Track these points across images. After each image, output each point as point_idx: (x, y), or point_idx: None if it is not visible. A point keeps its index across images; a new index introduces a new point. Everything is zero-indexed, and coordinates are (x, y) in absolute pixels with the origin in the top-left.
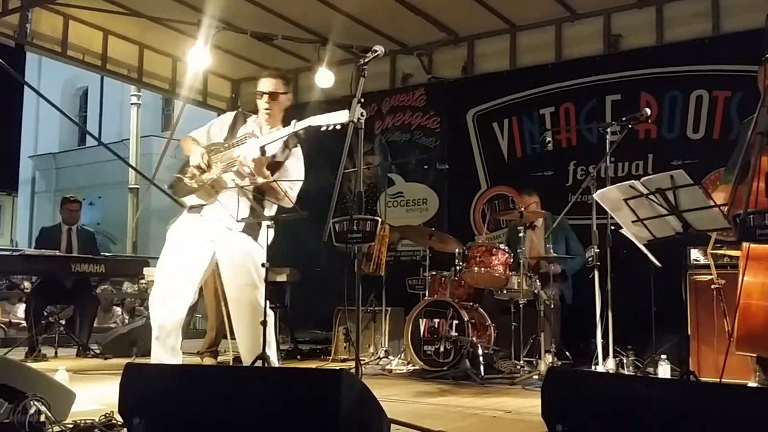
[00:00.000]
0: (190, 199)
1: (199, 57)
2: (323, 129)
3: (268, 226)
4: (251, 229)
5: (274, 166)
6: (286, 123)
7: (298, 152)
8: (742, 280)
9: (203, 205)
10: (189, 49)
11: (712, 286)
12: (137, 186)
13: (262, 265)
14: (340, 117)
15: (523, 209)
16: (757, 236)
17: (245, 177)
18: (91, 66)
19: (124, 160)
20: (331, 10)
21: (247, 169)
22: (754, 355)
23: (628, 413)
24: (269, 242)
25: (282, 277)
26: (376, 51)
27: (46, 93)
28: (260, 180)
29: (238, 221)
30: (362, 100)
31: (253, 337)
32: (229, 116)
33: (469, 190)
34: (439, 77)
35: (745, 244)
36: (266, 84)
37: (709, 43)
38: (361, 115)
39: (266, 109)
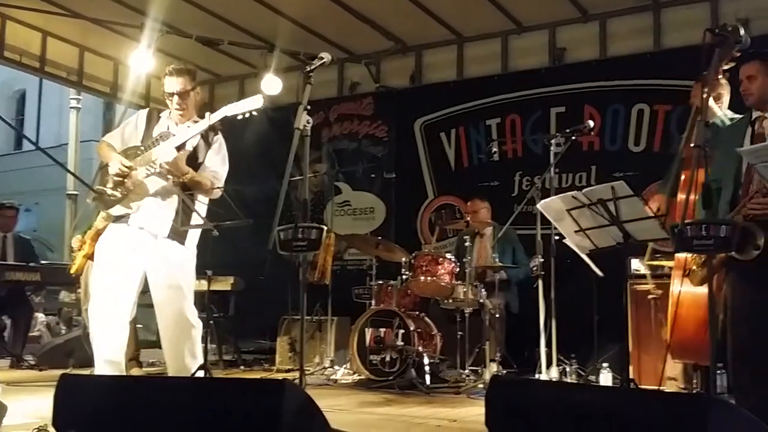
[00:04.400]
0: (116, 209)
1: (141, 60)
2: (239, 117)
3: (213, 233)
4: (178, 233)
5: (194, 160)
6: (201, 115)
7: (219, 141)
8: (673, 289)
9: (129, 213)
10: (132, 53)
11: (649, 296)
12: (76, 192)
13: (206, 274)
14: (254, 102)
15: (469, 219)
16: (694, 246)
17: (169, 178)
18: (29, 68)
19: (62, 165)
20: (278, 16)
21: (167, 168)
22: (691, 362)
23: (568, 421)
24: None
25: (226, 286)
26: (323, 58)
27: None
28: (187, 176)
29: (181, 229)
30: (308, 107)
31: (178, 349)
32: (143, 115)
33: (417, 200)
34: (387, 86)
35: (678, 255)
36: (173, 84)
37: (651, 58)
38: (308, 122)
39: (178, 108)
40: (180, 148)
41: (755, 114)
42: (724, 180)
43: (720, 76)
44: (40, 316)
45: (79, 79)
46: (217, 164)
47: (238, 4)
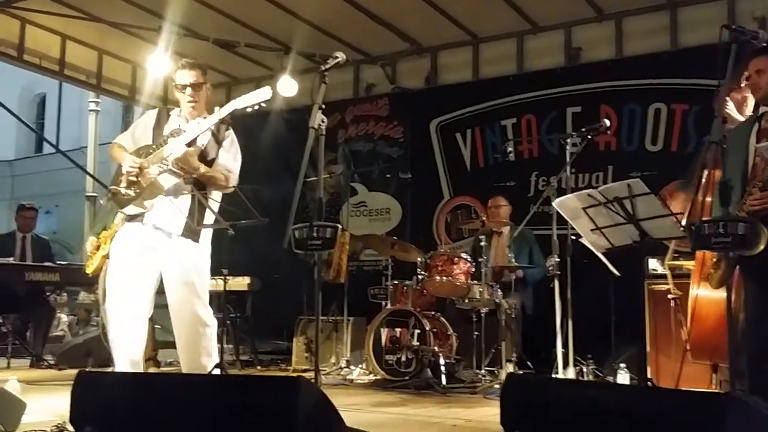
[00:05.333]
0: (130, 209)
1: (159, 63)
2: (249, 110)
3: (228, 233)
4: (192, 232)
5: (206, 158)
6: (210, 113)
7: (230, 137)
8: (692, 291)
9: (143, 212)
10: (149, 56)
11: (669, 296)
12: (95, 194)
13: (222, 274)
14: (263, 94)
15: (485, 218)
16: (712, 244)
17: (182, 175)
18: (48, 71)
19: (81, 167)
20: (295, 18)
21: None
22: (710, 363)
23: (584, 418)
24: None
25: (243, 286)
26: (337, 57)
27: (2, 99)
28: (199, 172)
29: (196, 228)
30: (323, 106)
31: (193, 350)
32: (152, 114)
33: (432, 200)
34: (403, 87)
35: (698, 255)
36: (187, 76)
37: (667, 57)
38: (322, 121)
39: (190, 101)
40: (191, 144)
41: (762, 109)
42: (733, 178)
43: (743, 82)
44: (63, 317)
45: (98, 82)
46: (229, 160)
47: (254, 7)
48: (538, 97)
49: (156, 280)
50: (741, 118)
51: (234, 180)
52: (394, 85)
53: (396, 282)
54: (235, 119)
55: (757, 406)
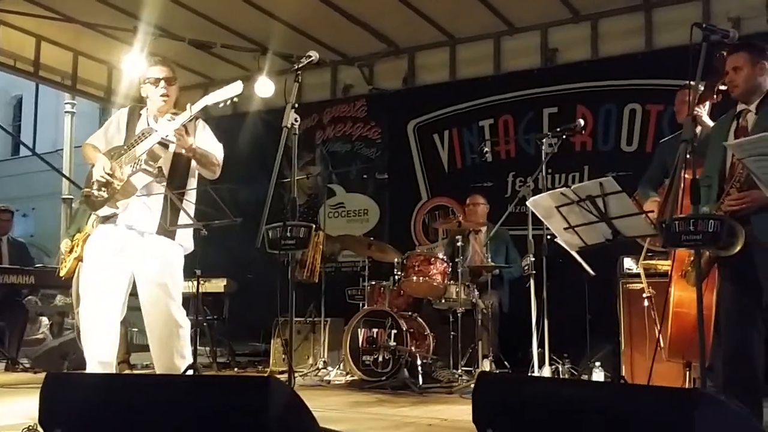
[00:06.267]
0: (103, 210)
1: (135, 64)
2: (221, 105)
3: (201, 233)
4: (166, 229)
5: (181, 153)
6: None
7: (200, 124)
8: (672, 289)
9: (116, 213)
10: (125, 56)
11: (643, 296)
12: (71, 197)
13: (195, 274)
14: (234, 89)
15: (461, 219)
16: (682, 242)
17: (155, 174)
18: (23, 72)
19: (57, 170)
20: (271, 19)
21: (153, 165)
22: (683, 361)
23: (556, 416)
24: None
25: (219, 288)
26: (311, 56)
27: None
28: (193, 149)
29: (168, 229)
30: (296, 105)
31: (166, 351)
32: (124, 113)
33: (410, 201)
34: (380, 88)
35: (678, 254)
36: (160, 71)
37: (642, 58)
38: (296, 120)
39: (163, 95)
40: (163, 143)
41: (740, 107)
42: (712, 177)
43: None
44: (44, 320)
45: (74, 83)
46: (208, 143)
47: (230, 7)
48: (515, 97)
49: (129, 281)
50: (710, 123)
51: (221, 158)
52: (372, 86)
53: (373, 282)
54: (213, 120)
55: (728, 402)
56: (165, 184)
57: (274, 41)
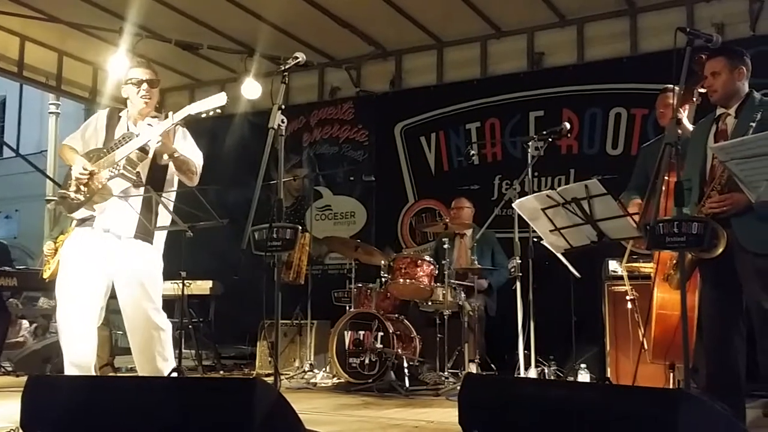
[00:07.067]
0: (80, 212)
1: (120, 65)
2: (204, 115)
3: (187, 234)
4: (145, 233)
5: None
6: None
7: (181, 131)
8: (656, 292)
9: (93, 216)
10: (110, 57)
11: (627, 298)
12: (55, 198)
13: (182, 277)
14: (217, 101)
15: (447, 221)
16: (667, 243)
17: (133, 179)
18: (7, 73)
19: (41, 171)
20: (258, 21)
21: (131, 170)
22: (667, 362)
23: (541, 416)
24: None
25: (205, 290)
26: (297, 57)
27: None
28: (174, 156)
29: (154, 230)
30: (283, 106)
31: (148, 355)
32: (103, 115)
33: (397, 204)
34: (368, 91)
35: (660, 257)
36: (143, 72)
37: (628, 63)
38: (282, 121)
39: (144, 97)
40: (143, 149)
41: (719, 111)
42: (692, 180)
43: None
44: (25, 323)
45: (58, 84)
46: (189, 150)
47: (217, 8)
48: (502, 101)
49: (106, 284)
50: (691, 127)
51: (200, 167)
52: (359, 89)
53: (360, 285)
54: (199, 121)
55: (710, 402)
56: (142, 188)
57: (261, 43)
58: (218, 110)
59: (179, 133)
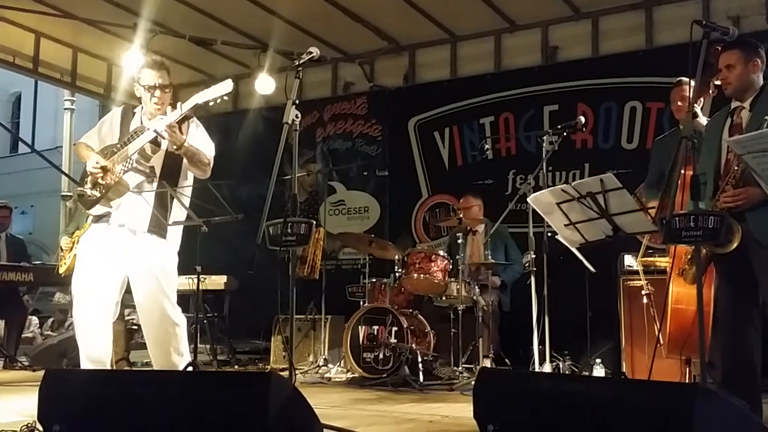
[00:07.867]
0: (96, 209)
1: (135, 61)
2: (211, 103)
3: (202, 229)
4: (159, 227)
5: (173, 153)
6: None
7: (194, 123)
8: (671, 286)
9: (109, 212)
10: (125, 53)
11: (643, 292)
12: (70, 194)
13: (197, 272)
14: (224, 88)
15: (461, 216)
16: (683, 237)
17: (147, 173)
18: (22, 69)
19: (56, 167)
20: (272, 16)
21: (145, 164)
22: (683, 357)
23: (556, 410)
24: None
25: (220, 285)
26: (311, 52)
27: None
28: (183, 147)
29: (168, 224)
30: (297, 101)
31: (163, 350)
32: (117, 112)
33: (411, 199)
34: (381, 85)
35: (676, 251)
36: (154, 77)
37: (643, 56)
38: (296, 116)
39: (157, 102)
40: (155, 141)
41: (734, 104)
42: (707, 174)
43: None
44: (34, 319)
45: (73, 80)
46: (200, 142)
47: (231, 4)
48: (516, 95)
49: (122, 279)
50: (704, 120)
51: (212, 158)
52: (372, 84)
53: (374, 280)
54: (214, 117)
55: (725, 396)
56: (156, 183)
57: (275, 38)
58: (225, 97)
59: (192, 125)
